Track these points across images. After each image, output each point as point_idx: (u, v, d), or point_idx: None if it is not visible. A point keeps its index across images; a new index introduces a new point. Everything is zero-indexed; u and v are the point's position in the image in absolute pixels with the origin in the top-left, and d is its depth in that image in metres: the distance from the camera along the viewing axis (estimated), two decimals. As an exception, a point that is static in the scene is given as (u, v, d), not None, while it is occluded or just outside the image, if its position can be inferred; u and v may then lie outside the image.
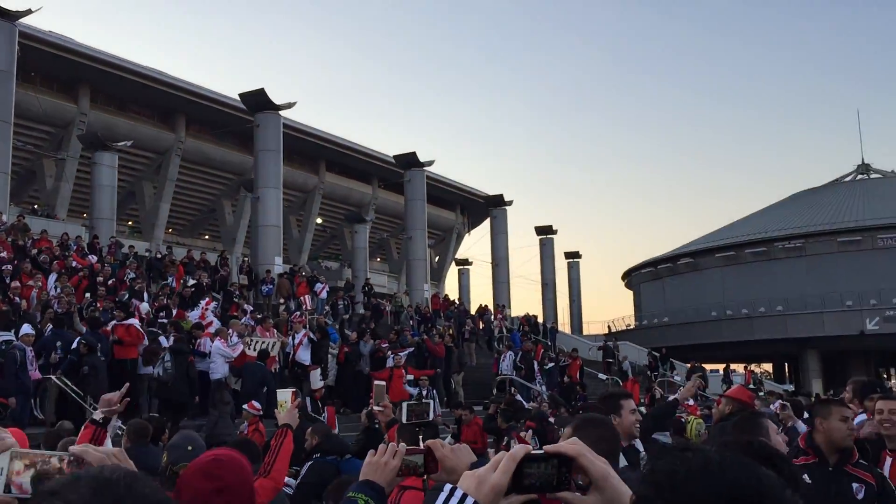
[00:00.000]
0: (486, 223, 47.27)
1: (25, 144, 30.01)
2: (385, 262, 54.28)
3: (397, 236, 48.98)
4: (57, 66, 33.66)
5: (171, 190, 40.40)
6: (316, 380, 13.83)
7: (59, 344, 12.67)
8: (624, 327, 53.36)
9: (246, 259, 27.36)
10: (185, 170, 41.13)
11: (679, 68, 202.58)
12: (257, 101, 28.76)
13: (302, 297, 22.53)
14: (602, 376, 27.16)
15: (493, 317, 31.70)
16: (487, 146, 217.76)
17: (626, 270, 60.13)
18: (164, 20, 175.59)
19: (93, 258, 20.64)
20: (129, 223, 42.04)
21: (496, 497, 1.36)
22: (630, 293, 60.04)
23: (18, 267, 16.83)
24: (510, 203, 44.66)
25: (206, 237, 47.01)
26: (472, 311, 33.51)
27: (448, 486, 1.39)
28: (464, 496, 1.36)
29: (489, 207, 45.31)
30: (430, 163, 37.72)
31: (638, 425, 4.81)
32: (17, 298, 14.98)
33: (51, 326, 13.55)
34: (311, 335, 15.97)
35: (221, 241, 43.17)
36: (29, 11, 22.91)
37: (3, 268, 16.50)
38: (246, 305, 19.56)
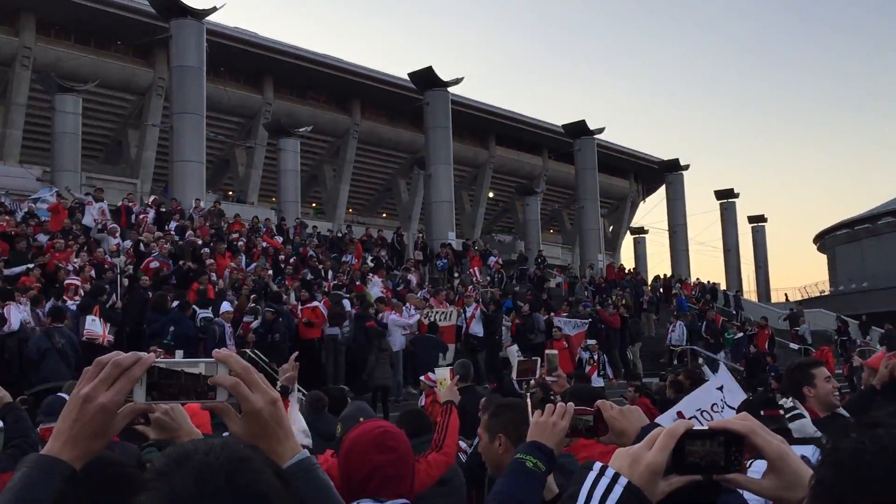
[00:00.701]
0: (662, 189, 45.63)
1: (217, 135, 32.27)
2: (558, 233, 53.83)
3: (569, 207, 48.38)
4: (243, 59, 35.89)
5: (350, 171, 42.12)
6: (513, 355, 13.93)
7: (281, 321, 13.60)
8: (817, 293, 49.91)
9: (421, 235, 28.04)
10: (362, 151, 42.71)
11: (873, 10, 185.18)
12: (426, 79, 29.26)
13: (471, 270, 22.80)
14: (793, 346, 25.59)
15: (665, 286, 30.60)
16: (660, 110, 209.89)
17: (819, 233, 56.08)
18: (337, 6, 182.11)
19: (279, 239, 21.90)
20: (313, 205, 44.25)
21: (653, 477, 1.24)
22: (823, 257, 56.00)
23: (214, 248, 18.16)
24: (686, 167, 42.82)
25: (384, 215, 48.63)
26: (649, 281, 32.58)
27: (598, 465, 1.28)
28: (616, 476, 1.25)
29: (664, 173, 43.67)
30: (600, 130, 36.87)
31: (836, 393, 4.43)
32: (214, 276, 16.15)
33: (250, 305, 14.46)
34: (484, 308, 16.15)
35: (398, 219, 44.51)
36: (214, 9, 24.49)
37: (202, 251, 17.87)
38: (410, 276, 20.05)
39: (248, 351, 13.09)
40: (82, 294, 12.48)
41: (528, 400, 6.11)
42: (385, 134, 43.19)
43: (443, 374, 4.71)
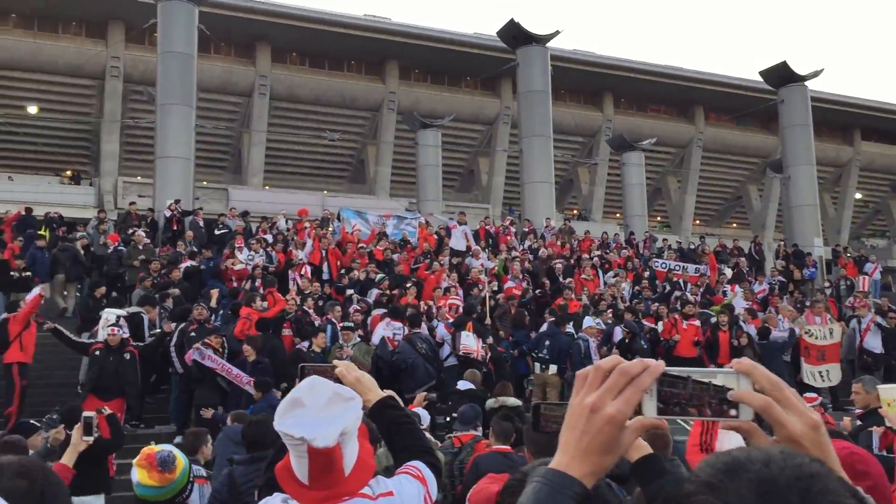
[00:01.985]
0: None
1: (563, 155, 33.05)
2: (947, 234, 46.63)
3: (962, 203, 41.73)
4: (583, 79, 36.49)
5: (696, 181, 40.62)
6: None
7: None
8: None
9: (782, 243, 25.92)
10: (708, 159, 41.00)
11: None
12: (780, 75, 27.19)
13: (856, 278, 20.29)
14: None
15: None
16: None
17: None
18: (675, 14, 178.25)
19: (625, 253, 21.56)
20: (658, 218, 43.39)
21: None
22: None
23: (570, 266, 18.43)
24: None
25: (734, 225, 46.05)
26: None
27: None
28: None
29: None
30: None
31: None
32: (573, 294, 16.31)
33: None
34: (880, 320, 14.16)
35: (750, 227, 41.82)
36: (557, 33, 25.16)
37: (556, 265, 18.24)
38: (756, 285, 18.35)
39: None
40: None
41: None
42: (732, 139, 41.00)
43: (891, 395, 3.88)
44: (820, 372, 13.52)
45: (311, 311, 13.14)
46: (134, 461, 3.94)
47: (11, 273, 13.92)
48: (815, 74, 27.26)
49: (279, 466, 2.75)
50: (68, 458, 4.29)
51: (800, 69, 27.13)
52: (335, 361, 2.93)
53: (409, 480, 2.75)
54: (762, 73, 27.94)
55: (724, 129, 40.68)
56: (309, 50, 35.57)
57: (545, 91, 25.14)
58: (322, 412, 2.63)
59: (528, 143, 25.01)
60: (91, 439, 4.36)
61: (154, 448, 4.12)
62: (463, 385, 9.12)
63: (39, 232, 17.12)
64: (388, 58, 36.25)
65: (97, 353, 10.31)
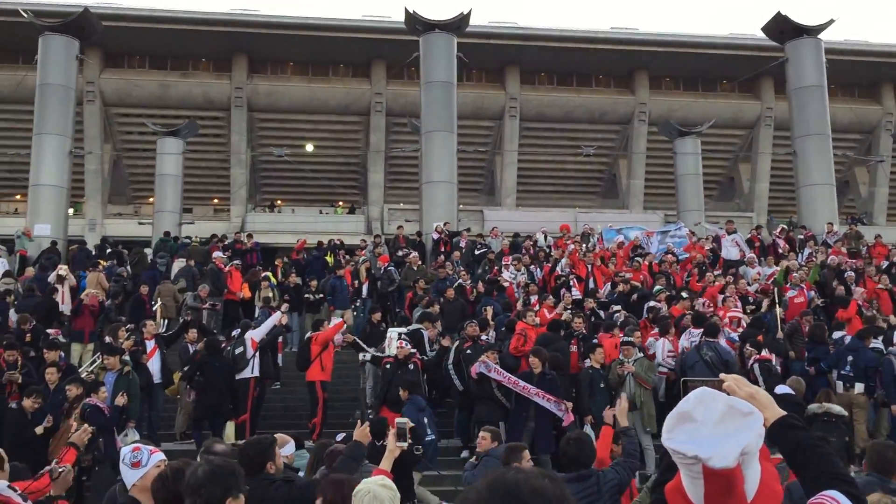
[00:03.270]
0: None
1: (843, 154, 30.24)
2: None
3: None
4: (857, 71, 33.25)
5: None
6: None
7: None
8: None
9: None
10: None
11: None
12: None
13: None
14: None
15: None
16: None
17: None
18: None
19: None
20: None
21: None
22: None
23: (860, 274, 16.63)
24: None
25: None
26: None
27: None
28: None
29: None
30: None
31: None
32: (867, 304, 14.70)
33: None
34: None
35: None
36: (831, 22, 23.13)
37: (846, 274, 16.57)
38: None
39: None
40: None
41: None
42: None
43: None
44: None
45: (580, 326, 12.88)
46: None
47: (306, 296, 15.15)
48: None
49: (669, 487, 2.49)
50: (386, 464, 4.45)
51: None
52: (722, 375, 2.63)
53: (826, 514, 2.38)
54: None
55: None
56: (557, 69, 35.70)
57: (820, 86, 23.14)
58: (716, 428, 2.33)
59: (802, 143, 23.10)
60: (405, 445, 4.49)
61: None
62: (780, 389, 8.30)
63: (326, 258, 18.54)
64: (636, 68, 35.42)
65: (388, 366, 10.82)
